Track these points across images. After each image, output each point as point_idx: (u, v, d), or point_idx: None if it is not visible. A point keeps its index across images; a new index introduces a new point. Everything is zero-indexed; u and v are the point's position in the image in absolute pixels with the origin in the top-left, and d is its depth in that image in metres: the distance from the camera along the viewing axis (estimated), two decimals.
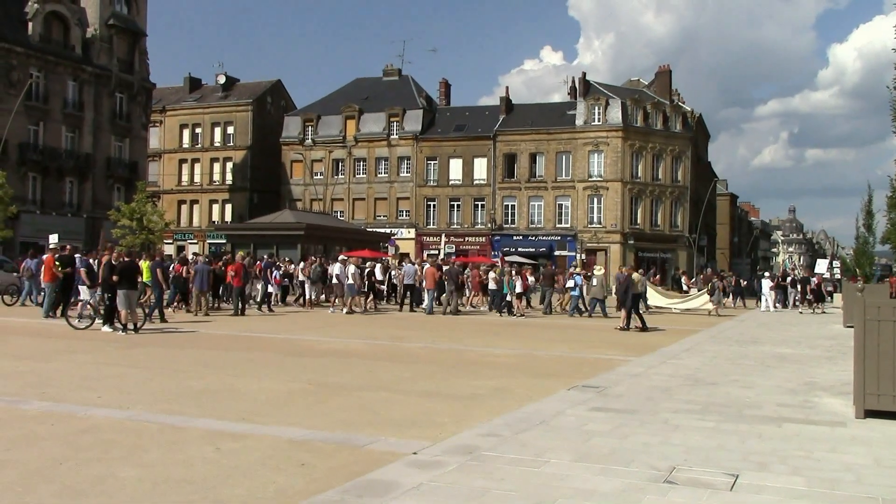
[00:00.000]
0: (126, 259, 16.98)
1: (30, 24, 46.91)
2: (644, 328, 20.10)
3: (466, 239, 61.60)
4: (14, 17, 46.35)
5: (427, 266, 27.12)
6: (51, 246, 23.38)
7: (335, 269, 24.93)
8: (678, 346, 15.56)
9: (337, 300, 25.38)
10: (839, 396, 9.18)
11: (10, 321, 18.91)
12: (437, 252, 49.55)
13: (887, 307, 7.91)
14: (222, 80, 71.26)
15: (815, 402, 8.87)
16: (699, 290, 32.04)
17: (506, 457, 5.99)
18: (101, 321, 16.71)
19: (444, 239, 50.70)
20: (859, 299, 8.36)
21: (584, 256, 54.42)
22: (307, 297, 26.97)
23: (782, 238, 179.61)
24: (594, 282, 26.08)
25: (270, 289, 25.16)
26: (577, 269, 29.31)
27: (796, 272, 42.90)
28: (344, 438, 6.85)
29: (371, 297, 26.75)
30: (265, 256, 28.38)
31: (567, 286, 27.60)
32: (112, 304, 16.47)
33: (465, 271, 29.74)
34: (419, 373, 11.40)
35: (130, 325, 16.17)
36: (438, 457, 5.98)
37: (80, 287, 20.06)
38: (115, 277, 16.10)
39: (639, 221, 59.43)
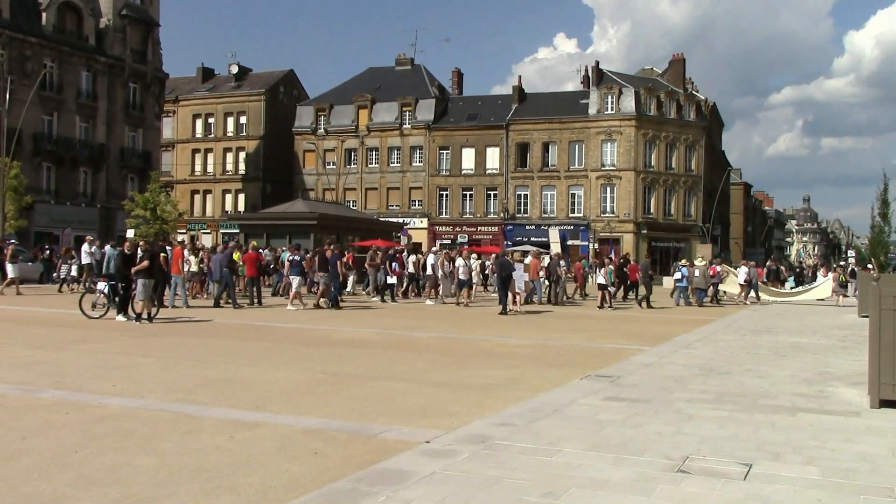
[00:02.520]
0: (148, 249, 17.08)
1: (43, 15, 47.13)
2: (504, 312, 20.72)
3: (479, 228, 61.59)
4: (28, 7, 46.56)
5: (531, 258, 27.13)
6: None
7: (430, 259, 25.00)
8: (692, 335, 15.52)
9: (432, 291, 25.53)
10: (854, 386, 9.13)
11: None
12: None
13: None
14: (235, 69, 71.43)
15: (830, 392, 8.82)
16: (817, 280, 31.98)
17: (519, 446, 5.99)
18: (114, 310, 16.82)
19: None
20: (874, 289, 8.28)
21: (596, 246, 54.28)
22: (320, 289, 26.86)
23: (796, 227, 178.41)
24: (696, 273, 26.83)
25: (390, 280, 25.37)
26: (683, 262, 29.33)
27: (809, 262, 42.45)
28: (357, 427, 6.87)
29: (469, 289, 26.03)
30: (388, 250, 27.76)
31: (674, 277, 28.45)
32: (126, 293, 16.58)
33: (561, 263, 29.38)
34: (432, 363, 11.42)
35: (144, 315, 16.28)
36: (451, 446, 5.99)
37: (291, 278, 21.19)
38: (144, 264, 16.17)
39: (652, 211, 59.22)
